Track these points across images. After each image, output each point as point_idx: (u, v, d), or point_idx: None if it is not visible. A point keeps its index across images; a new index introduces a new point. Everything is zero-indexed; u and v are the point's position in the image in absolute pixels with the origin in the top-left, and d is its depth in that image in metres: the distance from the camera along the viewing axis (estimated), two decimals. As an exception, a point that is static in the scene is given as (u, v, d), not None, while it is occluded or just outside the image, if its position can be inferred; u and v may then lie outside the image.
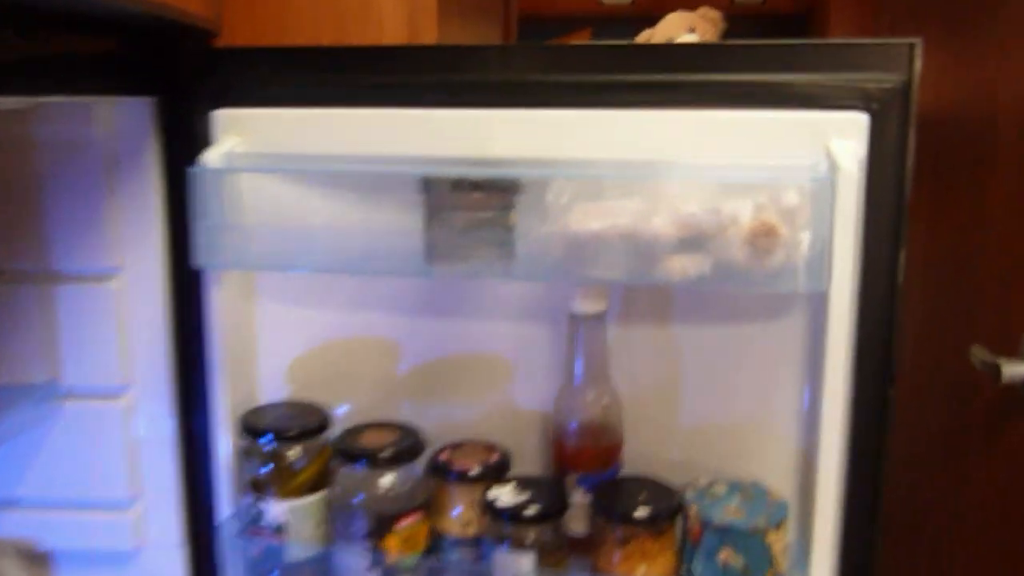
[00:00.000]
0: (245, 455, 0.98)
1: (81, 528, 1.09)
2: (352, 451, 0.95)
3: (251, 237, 0.92)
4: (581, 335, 0.95)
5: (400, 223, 0.92)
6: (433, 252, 0.91)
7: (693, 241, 0.85)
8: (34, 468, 1.08)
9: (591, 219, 0.86)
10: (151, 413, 1.07)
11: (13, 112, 0.99)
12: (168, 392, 1.06)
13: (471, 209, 0.90)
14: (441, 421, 1.05)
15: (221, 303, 0.99)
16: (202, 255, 0.91)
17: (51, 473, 1.08)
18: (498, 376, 1.04)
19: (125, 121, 1.02)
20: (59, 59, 0.90)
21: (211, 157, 0.95)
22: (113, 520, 1.08)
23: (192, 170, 0.91)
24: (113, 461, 1.07)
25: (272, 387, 1.07)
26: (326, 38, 1.05)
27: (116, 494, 1.08)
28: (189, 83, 1.00)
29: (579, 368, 0.95)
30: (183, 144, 1.01)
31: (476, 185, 0.90)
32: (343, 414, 1.06)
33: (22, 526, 1.09)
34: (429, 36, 1.08)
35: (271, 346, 1.05)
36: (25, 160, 1.02)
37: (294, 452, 0.97)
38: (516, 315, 1.02)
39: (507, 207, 0.90)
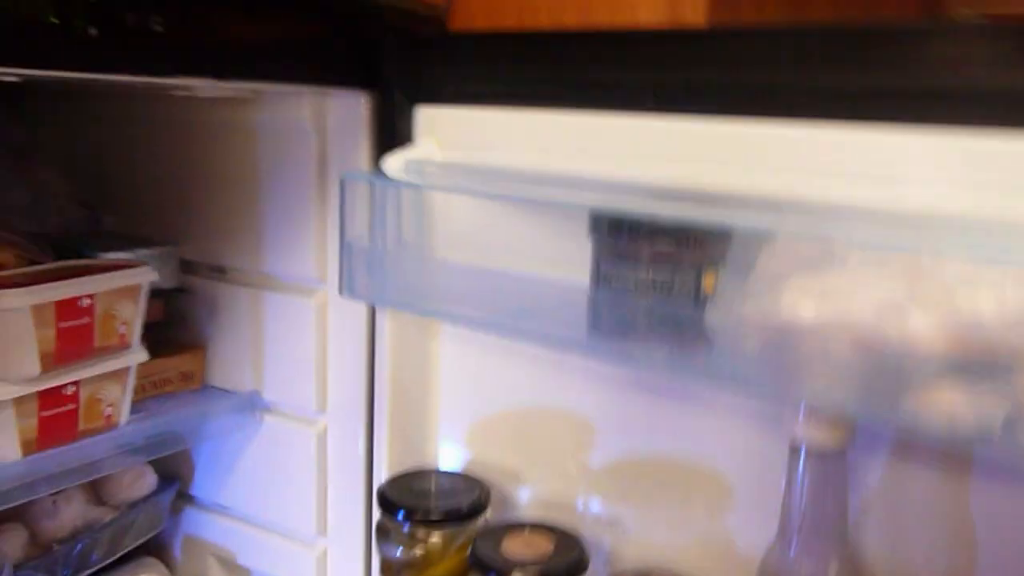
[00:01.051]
0: (379, 532, 0.80)
1: (270, 552, 1.01)
2: (486, 560, 0.73)
3: (381, 264, 0.73)
4: (804, 475, 0.61)
5: (573, 271, 0.67)
6: (599, 319, 0.65)
7: (977, 367, 0.48)
8: (234, 478, 1.03)
9: (808, 301, 0.53)
10: (342, 446, 0.94)
11: (231, 99, 0.92)
12: (360, 428, 0.93)
13: (649, 263, 0.62)
14: (628, 535, 0.77)
15: (393, 339, 0.83)
16: (342, 283, 0.75)
17: (248, 487, 1.02)
18: (712, 495, 0.73)
19: (338, 116, 0.89)
20: (276, 44, 0.80)
21: (390, 164, 0.79)
22: (299, 552, 0.99)
23: (343, 176, 0.76)
24: (303, 489, 0.97)
25: (446, 446, 0.88)
26: (547, 20, 0.83)
27: (303, 525, 0.98)
28: (392, 75, 0.85)
29: (797, 522, 0.62)
30: (387, 146, 0.86)
31: (659, 230, 0.61)
32: (514, 495, 0.83)
33: (226, 534, 1.05)
34: (696, 21, 0.80)
35: (450, 398, 0.86)
36: (244, 150, 0.94)
37: (434, 540, 0.78)
38: (749, 416, 0.71)
39: (701, 266, 0.60)
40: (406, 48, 0.84)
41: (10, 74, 0.61)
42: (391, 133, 0.85)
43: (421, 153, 0.80)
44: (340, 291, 0.77)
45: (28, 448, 0.80)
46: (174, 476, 1.06)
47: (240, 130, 0.93)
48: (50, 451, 0.81)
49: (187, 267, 1.02)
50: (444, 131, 0.80)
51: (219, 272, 1.00)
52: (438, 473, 0.84)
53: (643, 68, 0.72)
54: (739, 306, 0.58)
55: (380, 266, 0.73)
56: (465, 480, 0.82)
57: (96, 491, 0.99)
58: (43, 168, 0.91)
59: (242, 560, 1.03)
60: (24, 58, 0.59)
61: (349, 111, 0.88)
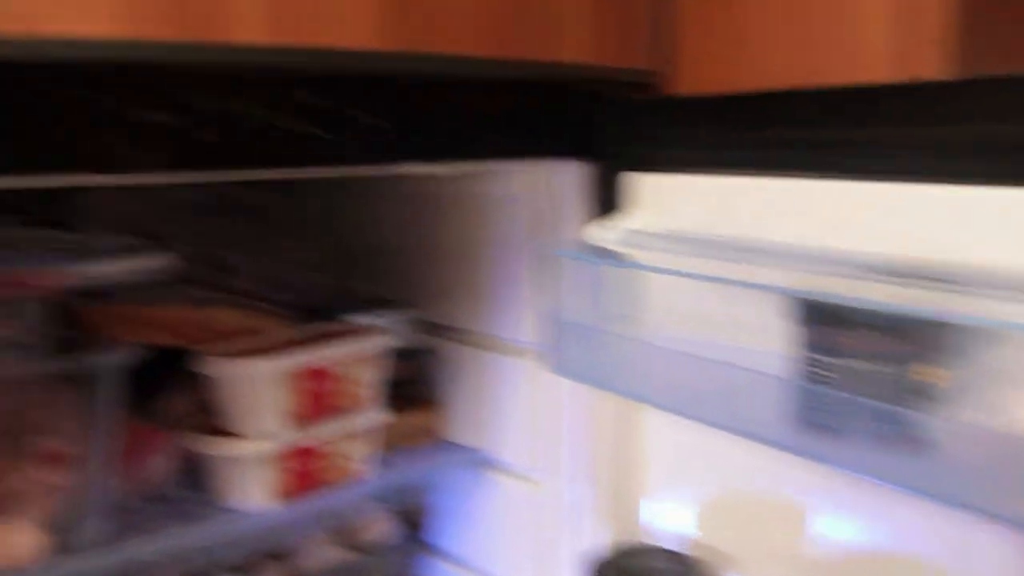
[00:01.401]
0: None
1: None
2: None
3: (582, 340, 0.73)
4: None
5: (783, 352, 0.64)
6: (804, 411, 0.61)
7: None
8: (464, 529, 1.07)
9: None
10: (555, 506, 0.96)
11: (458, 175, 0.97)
12: (572, 490, 0.93)
13: (862, 354, 0.57)
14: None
15: (605, 404, 0.83)
16: (547, 356, 0.76)
17: (476, 540, 1.06)
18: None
19: (552, 185, 0.91)
20: (490, 125, 0.83)
21: (597, 234, 0.79)
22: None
23: (547, 250, 0.77)
24: (521, 546, 0.99)
25: (653, 517, 0.86)
26: (783, 79, 0.79)
27: (524, 583, 1.00)
28: (603, 143, 0.85)
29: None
30: (599, 214, 0.86)
31: (879, 319, 0.57)
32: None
33: (458, 584, 1.09)
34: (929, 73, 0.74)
35: (659, 468, 0.85)
36: (470, 219, 0.99)
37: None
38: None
39: (923, 361, 0.55)
40: (618, 116, 0.84)
41: (256, 176, 0.68)
42: (602, 201, 0.86)
43: (630, 222, 0.80)
44: (549, 367, 0.78)
45: (278, 498, 0.88)
46: (413, 523, 1.12)
47: (466, 201, 0.98)
48: (299, 501, 0.89)
49: (431, 328, 1.08)
50: (654, 199, 0.80)
51: (455, 333, 1.05)
52: (653, 550, 0.83)
53: (877, 126, 0.68)
54: (967, 410, 0.52)
55: (582, 342, 0.73)
56: (681, 560, 0.80)
57: (342, 535, 1.07)
58: (301, 240, 1.01)
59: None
60: (264, 161, 0.66)
61: (562, 180, 0.90)
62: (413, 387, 1.08)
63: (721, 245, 0.73)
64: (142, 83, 0.58)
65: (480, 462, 1.02)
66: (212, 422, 0.88)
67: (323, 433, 0.90)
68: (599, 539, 0.89)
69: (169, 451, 0.89)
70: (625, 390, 0.73)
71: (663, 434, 0.83)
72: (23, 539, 0.73)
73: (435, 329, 1.08)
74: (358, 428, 0.93)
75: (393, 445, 1.03)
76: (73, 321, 0.86)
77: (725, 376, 0.64)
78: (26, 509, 0.74)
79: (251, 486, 0.87)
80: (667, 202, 0.78)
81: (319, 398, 0.88)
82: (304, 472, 0.89)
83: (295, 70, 0.60)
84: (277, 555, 1.03)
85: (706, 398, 0.65)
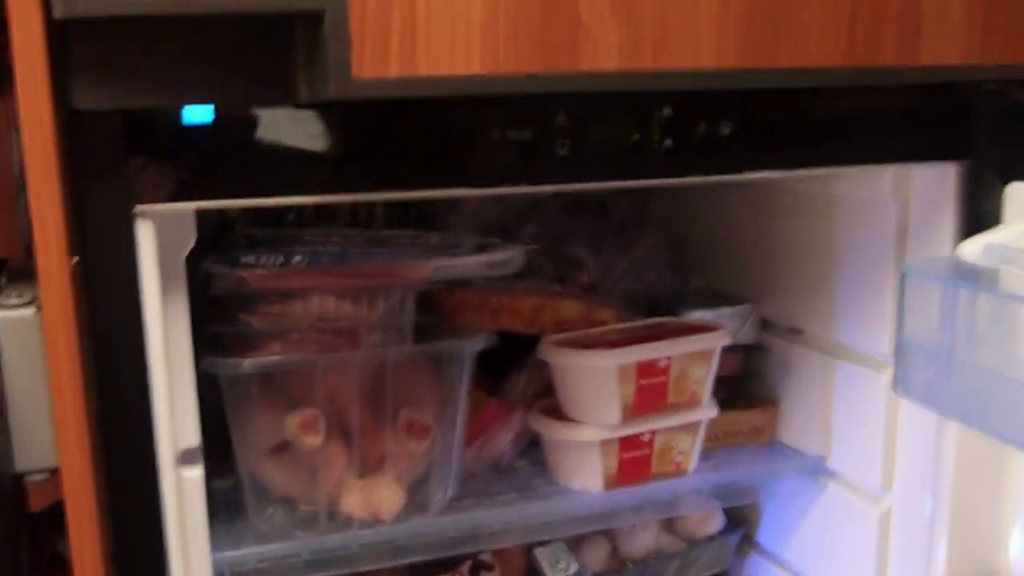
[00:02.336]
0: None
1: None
2: None
3: (941, 367, 0.67)
4: None
5: None
6: None
7: None
8: (795, 536, 1.04)
9: None
10: (905, 532, 0.90)
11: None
12: (921, 515, 0.87)
13: None
14: None
15: (964, 435, 0.76)
16: (896, 379, 0.72)
17: (807, 550, 1.02)
18: None
19: (922, 190, 0.85)
20: (849, 127, 0.79)
21: (968, 249, 0.73)
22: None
23: (904, 269, 0.72)
24: (860, 567, 0.95)
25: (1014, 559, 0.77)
26: None
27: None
28: (984, 147, 0.77)
29: None
30: (973, 224, 0.79)
31: None
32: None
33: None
34: None
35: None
36: (821, 220, 0.95)
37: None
38: None
39: None
40: (1000, 115, 0.76)
41: (600, 189, 0.71)
42: (977, 210, 0.78)
43: (1008, 238, 0.72)
44: (894, 386, 0.73)
45: (609, 483, 0.92)
46: (741, 520, 1.11)
47: (818, 202, 0.94)
48: (627, 488, 0.92)
49: (765, 325, 1.06)
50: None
51: (794, 334, 1.02)
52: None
53: None
54: None
55: (940, 370, 0.67)
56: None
57: (669, 523, 1.09)
58: (644, 237, 1.03)
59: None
60: (613, 174, 0.68)
61: (934, 185, 0.83)
62: (748, 385, 1.07)
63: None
64: (508, 104, 0.63)
65: (816, 470, 0.99)
66: (554, 405, 0.94)
67: (656, 425, 0.92)
68: (953, 570, 0.82)
69: (513, 427, 0.96)
70: (983, 425, 0.67)
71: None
72: (387, 496, 0.83)
73: (775, 329, 1.05)
74: (690, 423, 0.94)
75: (723, 441, 1.03)
76: (434, 307, 0.95)
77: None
78: (390, 471, 0.84)
79: (586, 470, 0.91)
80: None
81: (655, 391, 0.90)
82: (635, 461, 0.92)
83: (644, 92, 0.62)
84: (606, 535, 1.07)
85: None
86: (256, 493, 0.83)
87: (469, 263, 0.83)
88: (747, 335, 1.05)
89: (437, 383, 0.85)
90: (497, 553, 1.02)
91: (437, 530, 0.84)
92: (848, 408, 0.95)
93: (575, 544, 1.06)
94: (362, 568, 0.84)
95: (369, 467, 0.84)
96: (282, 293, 0.78)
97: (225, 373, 0.76)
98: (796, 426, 1.03)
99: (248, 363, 0.76)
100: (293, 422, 0.79)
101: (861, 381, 0.93)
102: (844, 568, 0.97)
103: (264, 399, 0.81)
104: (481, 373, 0.94)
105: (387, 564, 0.86)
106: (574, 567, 0.98)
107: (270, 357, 0.78)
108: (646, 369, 0.89)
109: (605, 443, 0.90)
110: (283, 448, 0.83)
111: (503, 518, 0.87)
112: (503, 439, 0.96)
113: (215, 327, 0.78)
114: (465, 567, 1.00)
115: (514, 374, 0.98)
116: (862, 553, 0.94)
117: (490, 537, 0.88)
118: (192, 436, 0.68)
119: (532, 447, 0.98)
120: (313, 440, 0.79)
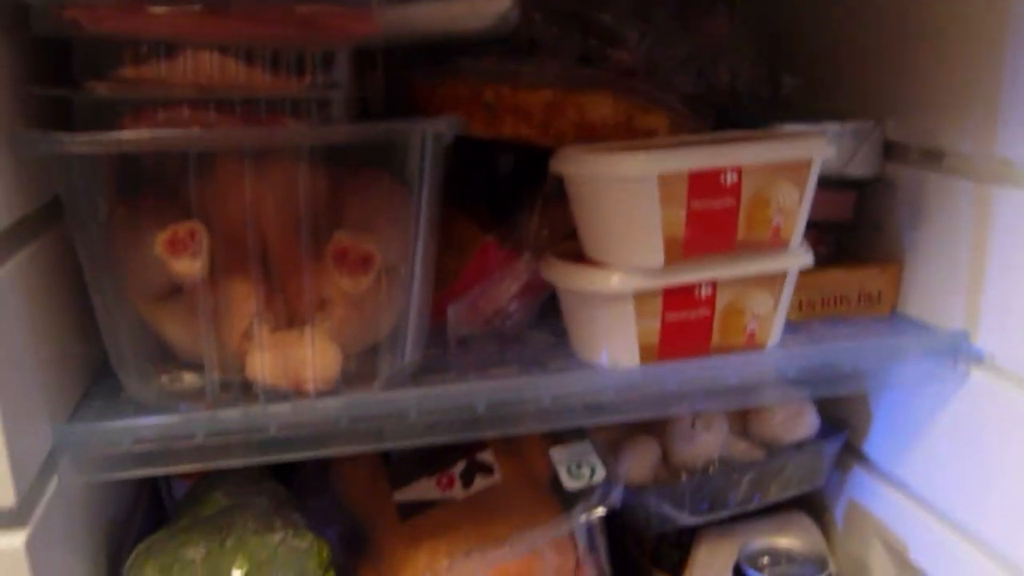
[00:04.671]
0: None
1: (956, 562, 0.71)
2: None
3: None
4: None
5: None
6: None
7: None
8: (921, 446, 0.74)
9: None
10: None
11: None
12: None
13: None
14: None
15: None
16: None
17: (938, 465, 0.72)
18: None
19: None
20: None
21: None
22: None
23: None
24: (1016, 486, 0.65)
25: None
26: None
27: (1012, 542, 0.66)
28: None
29: None
30: None
31: None
32: None
33: (899, 517, 0.77)
34: None
35: None
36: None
37: None
38: None
39: None
40: None
41: None
42: None
43: None
44: None
45: (648, 356, 0.64)
46: (844, 423, 0.82)
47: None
48: (675, 364, 0.64)
49: (890, 151, 0.75)
50: None
51: (934, 158, 0.71)
52: None
53: None
54: None
55: None
56: None
57: (744, 423, 0.81)
58: (713, 16, 0.72)
59: (915, 556, 0.75)
60: None
61: None
62: (861, 236, 0.77)
63: None
64: None
65: (956, 350, 0.68)
66: (576, 250, 0.66)
67: (719, 273, 0.63)
68: None
69: (519, 277, 0.69)
70: None
71: None
72: (315, 357, 0.57)
73: (905, 154, 0.74)
74: (771, 273, 0.65)
75: (821, 310, 0.74)
76: (411, 108, 0.68)
77: None
78: (324, 323, 0.58)
79: (614, 335, 0.63)
80: None
81: (717, 221, 0.61)
82: (688, 325, 0.64)
83: None
84: (655, 436, 0.80)
85: None
86: (136, 352, 0.59)
87: (436, 13, 0.55)
88: (863, 165, 0.75)
89: (388, 196, 0.58)
90: (503, 452, 0.77)
91: (386, 411, 0.59)
92: (1009, 262, 0.64)
93: (613, 446, 0.79)
94: (284, 456, 0.59)
95: (290, 316, 0.58)
96: (139, 42, 0.52)
97: (56, 152, 0.51)
98: (928, 290, 0.72)
99: (85, 140, 0.50)
100: (160, 239, 0.53)
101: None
102: (993, 493, 0.67)
103: (133, 212, 0.56)
104: (486, 211, 0.69)
105: (321, 453, 0.61)
106: (600, 474, 0.71)
107: (116, 134, 0.51)
108: (704, 184, 0.59)
109: (642, 296, 0.62)
110: (177, 292, 0.58)
111: (487, 398, 0.60)
112: (504, 292, 0.69)
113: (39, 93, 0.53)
114: (457, 468, 0.75)
115: (527, 209, 0.71)
116: (1018, 469, 0.64)
117: (468, 424, 0.61)
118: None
119: (554, 313, 0.70)
120: (187, 266, 0.53)
